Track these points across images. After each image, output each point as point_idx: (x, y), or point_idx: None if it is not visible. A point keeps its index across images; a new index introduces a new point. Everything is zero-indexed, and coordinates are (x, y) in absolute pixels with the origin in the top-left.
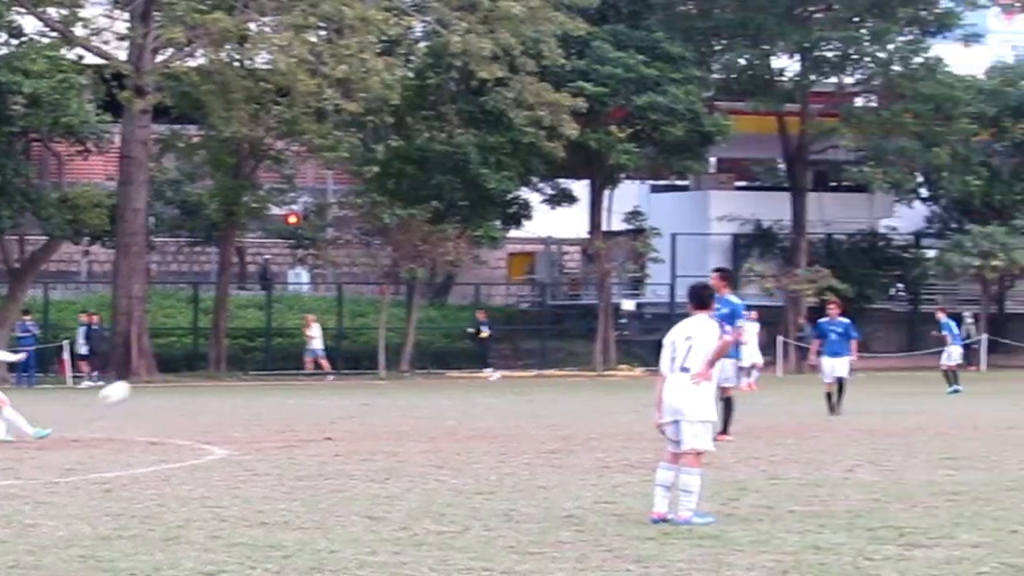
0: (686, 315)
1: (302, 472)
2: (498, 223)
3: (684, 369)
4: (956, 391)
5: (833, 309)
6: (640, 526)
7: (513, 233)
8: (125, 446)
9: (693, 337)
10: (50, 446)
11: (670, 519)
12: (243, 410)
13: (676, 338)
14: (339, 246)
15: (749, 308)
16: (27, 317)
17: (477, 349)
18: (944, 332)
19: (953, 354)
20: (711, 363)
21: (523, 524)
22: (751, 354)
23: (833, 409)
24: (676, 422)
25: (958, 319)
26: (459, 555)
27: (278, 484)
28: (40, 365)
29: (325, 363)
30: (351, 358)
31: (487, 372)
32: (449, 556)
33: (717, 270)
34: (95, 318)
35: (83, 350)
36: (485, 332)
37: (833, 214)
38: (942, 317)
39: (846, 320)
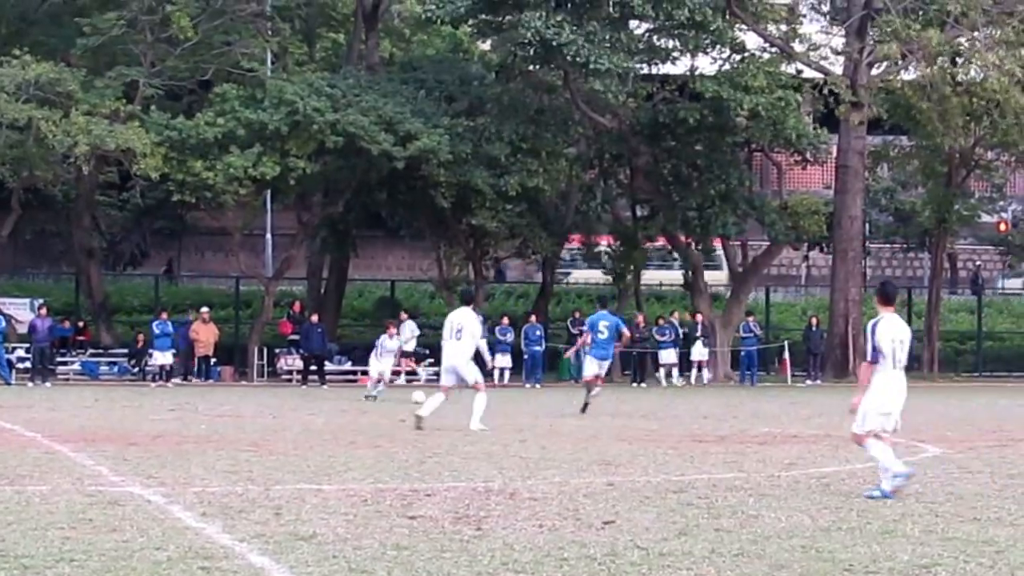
0: None
1: (1014, 470)
2: None
3: None
4: None
5: None
6: None
7: None
8: (842, 442)
9: None
10: (772, 441)
11: None
12: (955, 410)
13: None
14: None
15: None
16: (750, 318)
17: None
18: None
19: None
20: None
21: None
22: None
23: None
24: None
25: None
26: None
27: (990, 481)
28: (762, 364)
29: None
30: None
31: None
32: None
33: None
34: (815, 320)
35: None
36: None
37: None
38: None
39: None
